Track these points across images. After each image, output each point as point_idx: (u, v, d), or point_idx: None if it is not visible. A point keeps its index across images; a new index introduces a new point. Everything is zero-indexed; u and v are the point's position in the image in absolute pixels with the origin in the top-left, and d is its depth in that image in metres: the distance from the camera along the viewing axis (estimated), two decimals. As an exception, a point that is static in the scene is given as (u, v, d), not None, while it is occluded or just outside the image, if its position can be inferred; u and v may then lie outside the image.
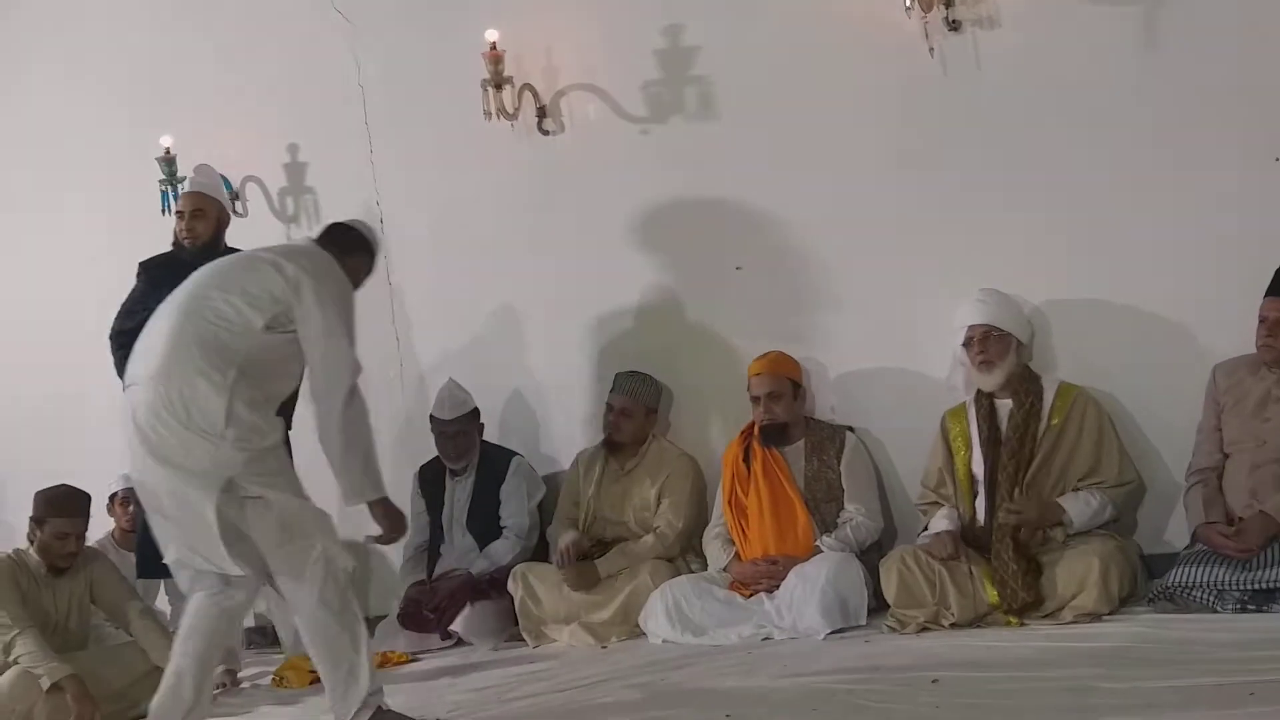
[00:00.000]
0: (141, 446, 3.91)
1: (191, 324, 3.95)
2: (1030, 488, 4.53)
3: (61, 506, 4.82)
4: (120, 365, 5.05)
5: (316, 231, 4.51)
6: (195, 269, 4.56)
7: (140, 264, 5.32)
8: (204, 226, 5.23)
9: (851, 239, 5.15)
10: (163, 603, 5.96)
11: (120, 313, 5.23)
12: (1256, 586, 4.08)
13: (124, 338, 5.08)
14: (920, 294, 5.01)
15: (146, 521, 5.04)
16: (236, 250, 5.28)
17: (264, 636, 5.56)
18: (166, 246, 5.85)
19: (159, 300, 4.89)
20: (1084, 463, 4.56)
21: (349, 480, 4.01)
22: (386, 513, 4.11)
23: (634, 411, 5.34)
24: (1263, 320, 4.33)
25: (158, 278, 5.11)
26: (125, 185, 6.18)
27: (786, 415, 5.04)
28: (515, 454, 5.63)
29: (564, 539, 5.23)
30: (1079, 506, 4.49)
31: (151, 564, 5.09)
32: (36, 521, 4.83)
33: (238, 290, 3.98)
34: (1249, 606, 4.08)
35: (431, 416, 5.60)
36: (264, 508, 3.87)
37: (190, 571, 4.01)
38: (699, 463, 5.36)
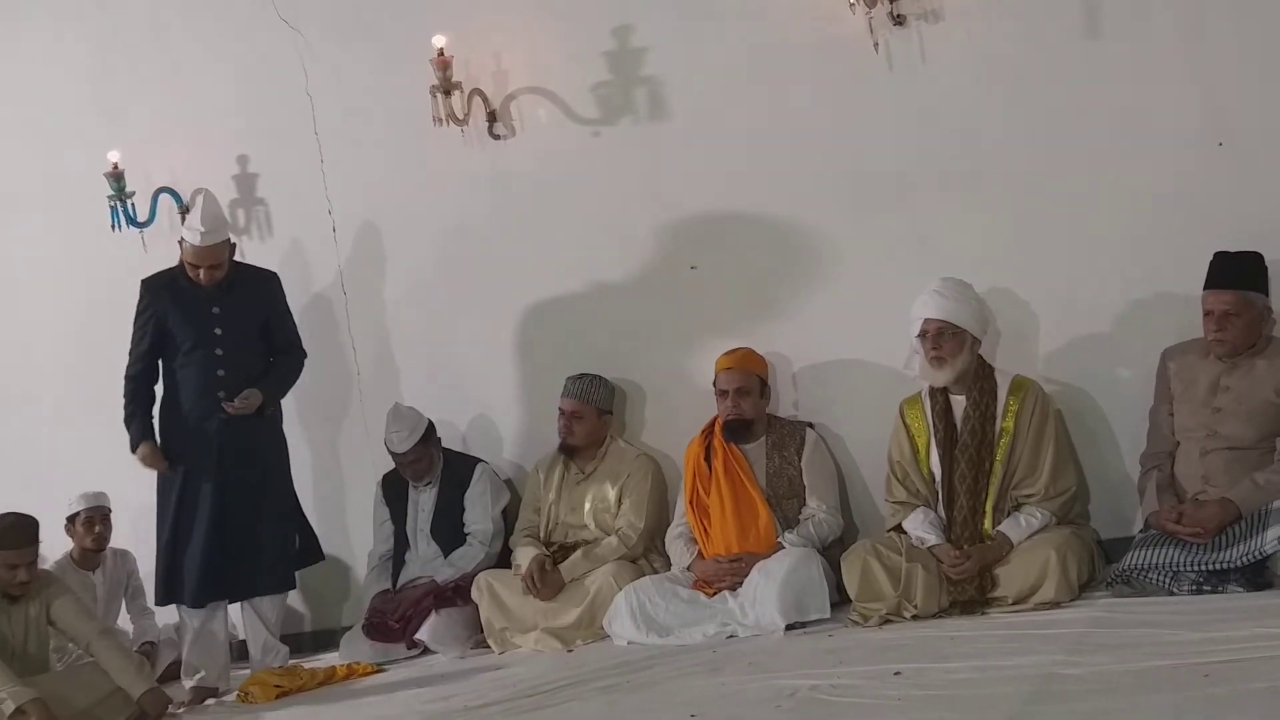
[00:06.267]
0: None
1: None
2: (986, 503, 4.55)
3: (8, 539, 4.70)
4: (130, 406, 5.29)
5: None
6: (208, 296, 5.13)
7: (142, 281, 5.35)
8: (222, 270, 5.22)
9: (804, 235, 5.18)
10: (124, 621, 5.93)
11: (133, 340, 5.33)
12: (1211, 568, 4.12)
13: (136, 381, 5.31)
14: (874, 288, 5.04)
15: (165, 548, 5.17)
16: (249, 267, 5.41)
17: (231, 651, 5.53)
18: (117, 262, 5.84)
19: (172, 318, 5.22)
20: (1025, 469, 4.58)
21: None
22: None
23: (585, 414, 5.34)
24: (1209, 314, 4.35)
25: (163, 298, 5.27)
26: (74, 202, 6.11)
27: (753, 411, 5.06)
28: (479, 460, 5.61)
29: (527, 559, 5.18)
30: (1020, 533, 4.49)
31: (172, 589, 5.22)
32: None
33: None
34: (1204, 588, 4.13)
35: (386, 447, 5.57)
36: None
37: None
38: (659, 463, 5.37)
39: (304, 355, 5.49)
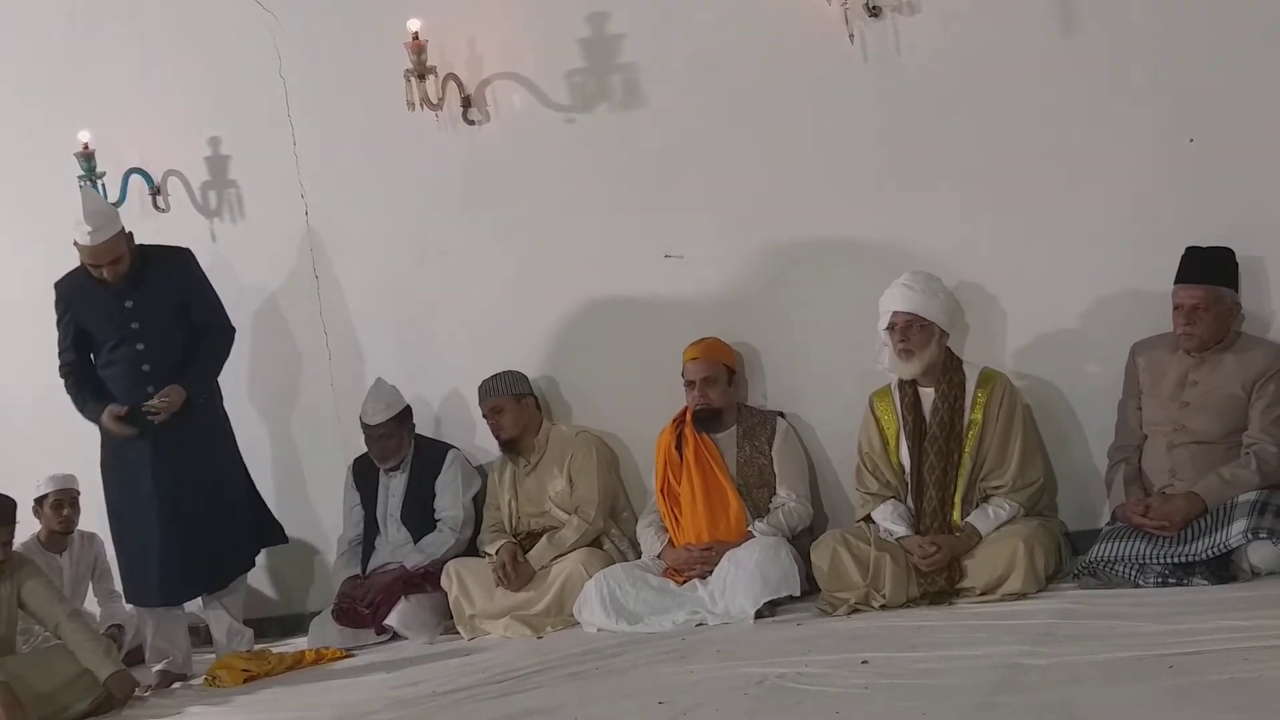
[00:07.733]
0: None
1: None
2: (954, 494, 4.58)
3: None
4: (77, 396, 5.19)
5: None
6: (119, 292, 4.94)
7: (55, 285, 5.24)
8: (124, 263, 5.06)
9: (777, 225, 5.18)
10: (91, 604, 5.91)
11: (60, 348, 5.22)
12: (1176, 561, 4.16)
13: (70, 368, 5.20)
14: (847, 278, 5.05)
15: (128, 547, 5.12)
16: (156, 249, 5.25)
17: (197, 636, 5.52)
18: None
19: (89, 320, 5.07)
20: (994, 460, 4.60)
21: None
22: None
23: (504, 405, 5.34)
24: (1178, 308, 4.39)
25: (76, 301, 5.15)
26: (44, 182, 6.06)
27: (720, 401, 5.07)
28: (451, 447, 5.61)
29: (498, 549, 5.21)
30: (988, 525, 4.52)
31: (140, 591, 5.16)
32: None
33: None
34: (1169, 580, 4.16)
35: (360, 419, 5.56)
36: None
37: None
38: (601, 438, 5.37)
39: (231, 331, 5.35)
